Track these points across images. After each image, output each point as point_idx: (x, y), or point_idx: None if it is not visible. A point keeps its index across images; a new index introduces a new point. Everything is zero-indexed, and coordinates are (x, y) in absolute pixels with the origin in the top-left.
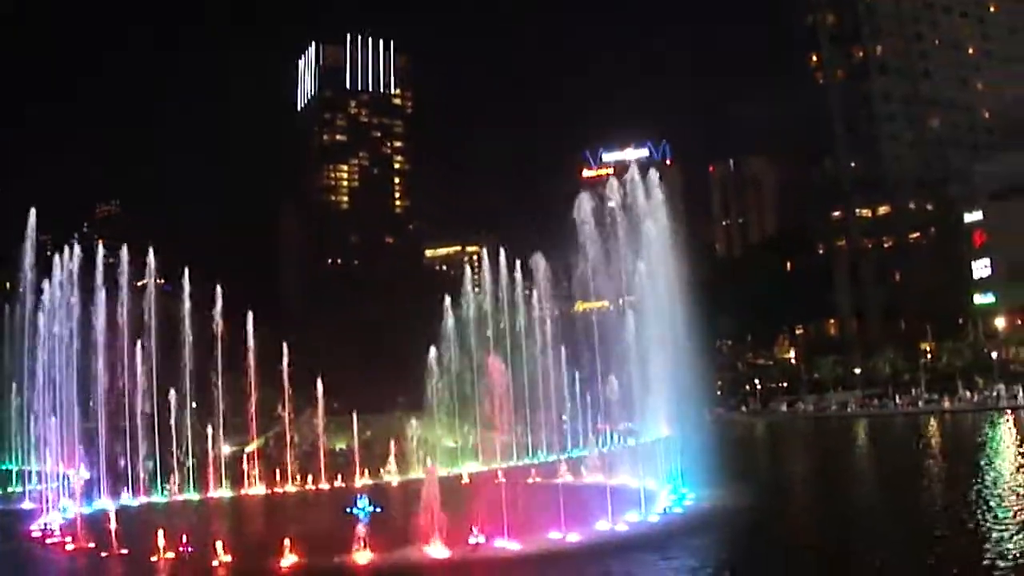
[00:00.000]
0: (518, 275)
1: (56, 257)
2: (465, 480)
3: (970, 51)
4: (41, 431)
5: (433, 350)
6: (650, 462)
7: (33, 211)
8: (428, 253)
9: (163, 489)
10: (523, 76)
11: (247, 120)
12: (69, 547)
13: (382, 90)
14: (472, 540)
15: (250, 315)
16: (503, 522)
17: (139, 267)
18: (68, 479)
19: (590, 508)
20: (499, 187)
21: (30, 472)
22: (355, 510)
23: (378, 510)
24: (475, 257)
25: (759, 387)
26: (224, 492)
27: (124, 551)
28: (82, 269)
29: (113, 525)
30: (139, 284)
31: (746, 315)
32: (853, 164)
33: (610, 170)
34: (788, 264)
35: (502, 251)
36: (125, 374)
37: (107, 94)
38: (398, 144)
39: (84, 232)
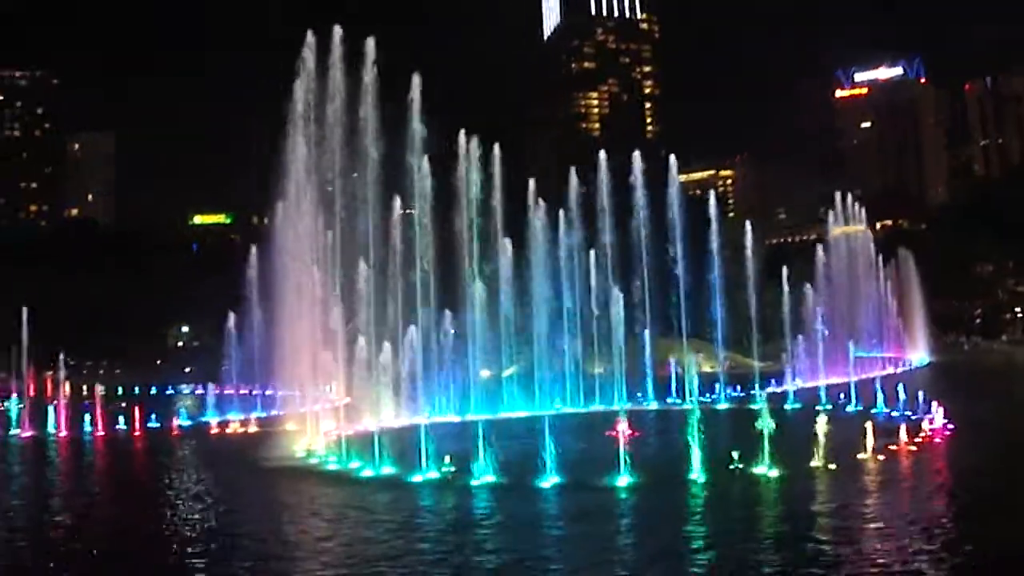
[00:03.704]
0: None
1: None
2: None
3: None
4: (302, 355)
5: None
6: (909, 389)
7: None
8: (681, 178)
9: (426, 410)
10: None
11: (495, 50)
12: (331, 467)
13: (627, 15)
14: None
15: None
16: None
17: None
18: (327, 401)
19: (849, 435)
20: (751, 109)
21: (292, 396)
22: (614, 433)
23: (636, 434)
24: (728, 181)
25: (1020, 316)
26: (481, 414)
27: (387, 471)
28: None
29: (376, 445)
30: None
31: (1007, 240)
32: None
33: (863, 90)
34: None
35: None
36: (390, 298)
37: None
38: (647, 69)
39: None
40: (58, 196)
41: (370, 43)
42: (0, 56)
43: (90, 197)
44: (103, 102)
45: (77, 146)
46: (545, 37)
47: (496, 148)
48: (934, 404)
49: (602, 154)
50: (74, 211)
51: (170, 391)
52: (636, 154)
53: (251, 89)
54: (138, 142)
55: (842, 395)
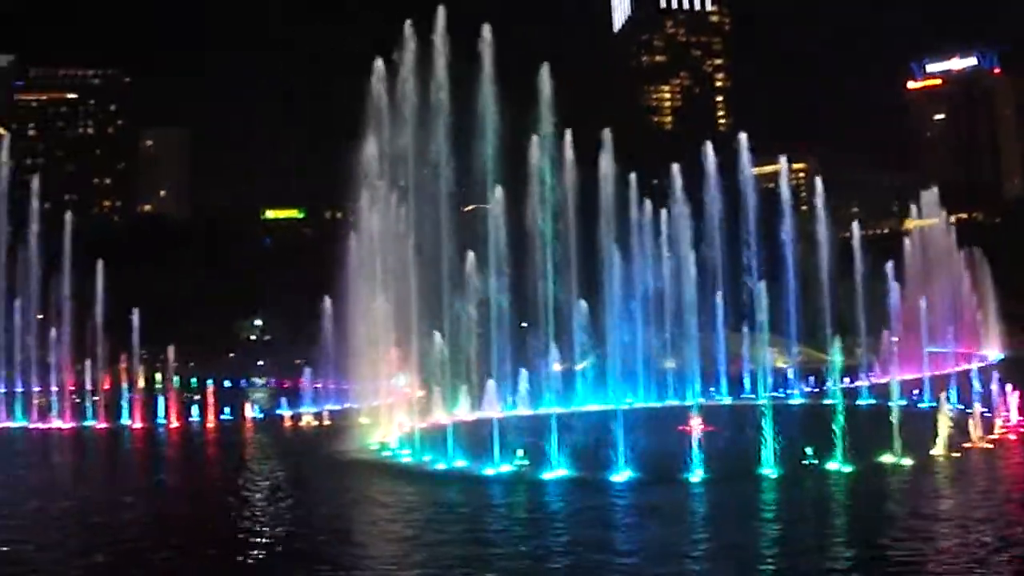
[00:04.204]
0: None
1: None
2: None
3: None
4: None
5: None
6: (983, 385)
7: None
8: (754, 171)
9: (505, 404)
10: None
11: (566, 45)
12: (405, 460)
13: (697, 7)
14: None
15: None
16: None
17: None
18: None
19: (923, 431)
20: (822, 102)
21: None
22: (687, 427)
23: (709, 429)
24: (801, 175)
25: None
26: (553, 407)
27: (458, 464)
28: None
29: (449, 439)
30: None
31: None
32: None
33: (937, 81)
34: None
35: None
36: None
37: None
38: (718, 62)
39: None
40: (131, 192)
41: (440, 13)
42: (73, 56)
43: (162, 192)
44: (174, 99)
45: (150, 142)
46: (615, 30)
47: (568, 136)
48: (1009, 400)
49: (675, 166)
50: (147, 207)
51: (243, 384)
52: (708, 145)
53: (330, 85)
54: (209, 138)
55: (916, 391)
